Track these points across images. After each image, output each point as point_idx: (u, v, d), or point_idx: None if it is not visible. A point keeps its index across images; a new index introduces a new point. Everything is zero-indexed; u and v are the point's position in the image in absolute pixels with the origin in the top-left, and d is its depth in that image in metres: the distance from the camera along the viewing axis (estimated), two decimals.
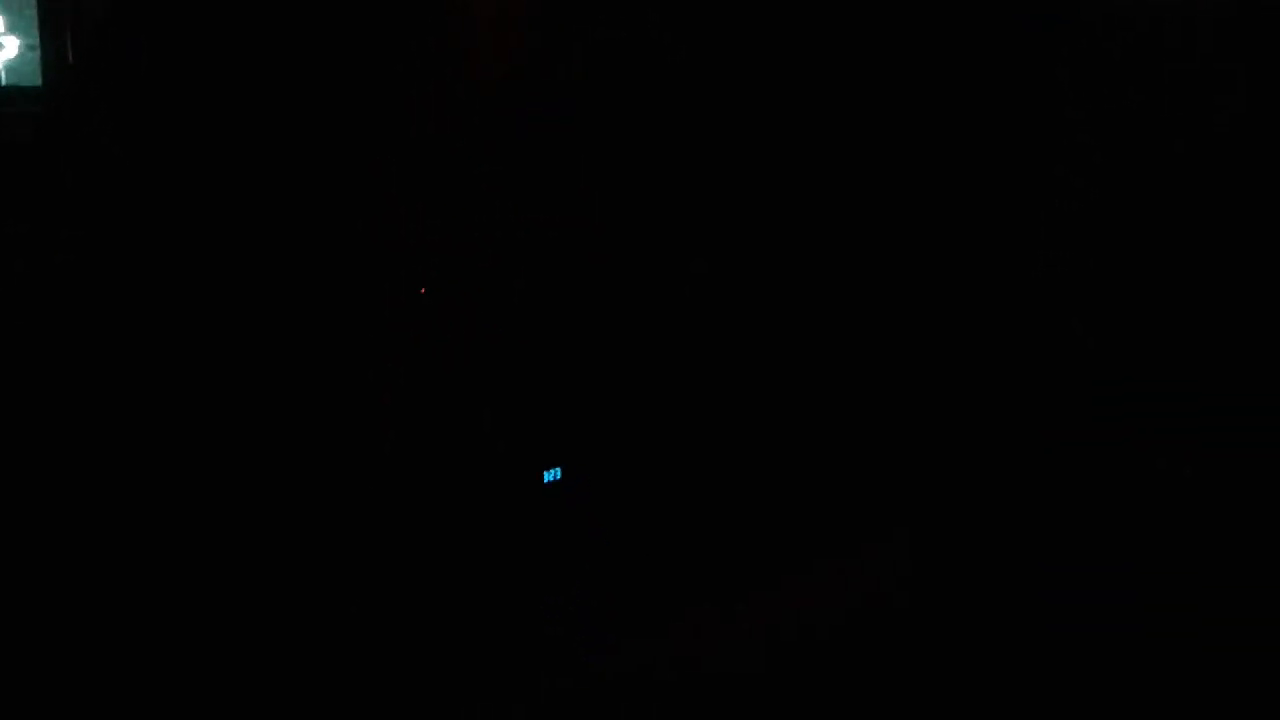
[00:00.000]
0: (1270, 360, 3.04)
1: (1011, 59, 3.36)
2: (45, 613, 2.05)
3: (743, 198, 2.99)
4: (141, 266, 2.12)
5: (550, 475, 2.62)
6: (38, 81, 2.10)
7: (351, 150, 2.33)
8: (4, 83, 2.13)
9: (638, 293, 2.82)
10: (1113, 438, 3.18)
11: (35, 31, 2.10)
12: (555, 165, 2.65)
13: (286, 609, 2.23)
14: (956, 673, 2.52)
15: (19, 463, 2.04)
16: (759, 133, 3.00)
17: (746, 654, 2.53)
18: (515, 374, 2.59)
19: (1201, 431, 3.07)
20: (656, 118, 2.82)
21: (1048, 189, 3.37)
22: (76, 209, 2.05)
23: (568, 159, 2.67)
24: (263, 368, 2.26)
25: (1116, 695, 2.47)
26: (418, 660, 2.31)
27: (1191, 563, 2.92)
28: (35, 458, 2.05)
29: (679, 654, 2.48)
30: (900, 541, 3.09)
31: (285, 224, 2.26)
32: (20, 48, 2.14)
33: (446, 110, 2.45)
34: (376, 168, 2.37)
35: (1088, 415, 3.26)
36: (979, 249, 3.38)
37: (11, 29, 2.14)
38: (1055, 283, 3.35)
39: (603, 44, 2.71)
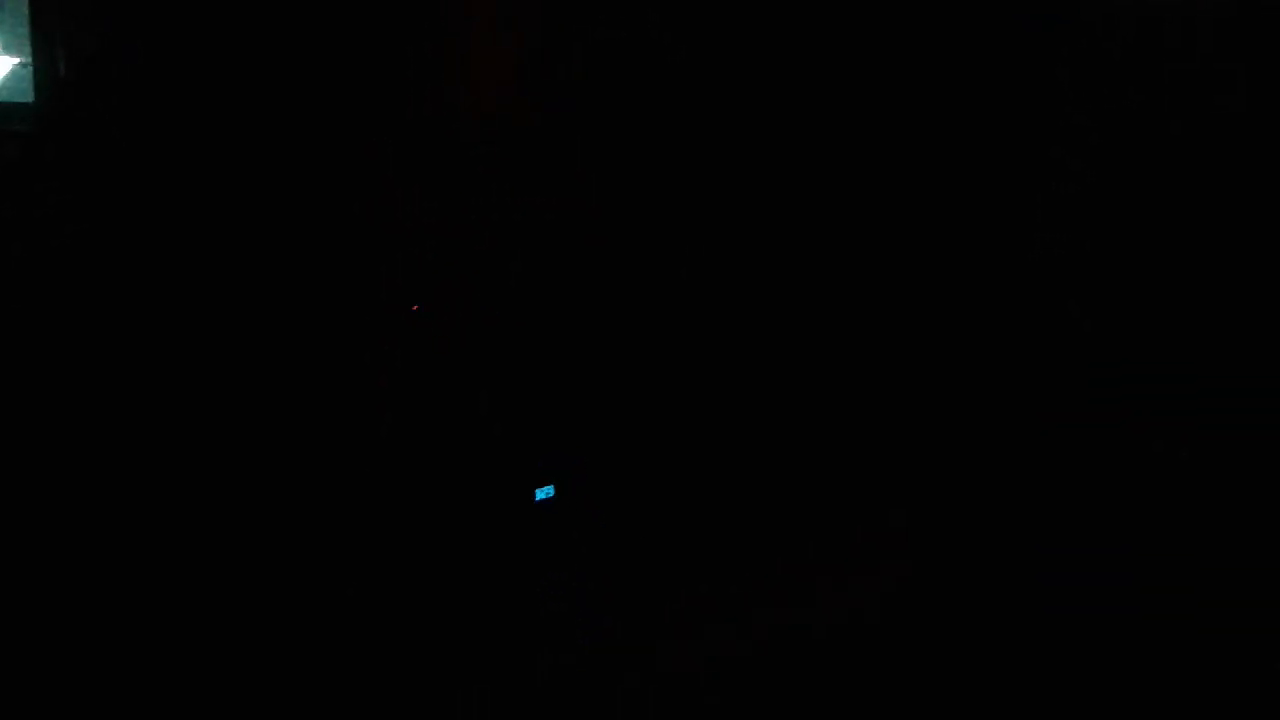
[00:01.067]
0: (1266, 344, 3.02)
1: (1011, 54, 3.34)
2: (44, 608, 2.10)
3: (742, 180, 3.00)
4: (134, 279, 2.17)
5: (542, 494, 2.65)
6: (30, 98, 2.14)
7: (348, 157, 2.37)
8: None
9: (636, 280, 2.83)
10: (1109, 420, 3.17)
11: (28, 49, 2.14)
12: (555, 167, 2.67)
13: (286, 604, 2.28)
14: (954, 655, 2.53)
15: (20, 464, 2.09)
16: (765, 113, 3.00)
17: (744, 637, 2.55)
18: (514, 363, 2.62)
19: (1198, 414, 3.05)
20: (656, 116, 2.83)
21: (1045, 173, 3.36)
22: (69, 223, 2.10)
23: (568, 160, 2.69)
24: (258, 378, 2.30)
25: (1113, 676, 2.48)
26: (418, 641, 2.35)
27: (1188, 545, 2.92)
28: (37, 456, 2.11)
29: (676, 638, 2.50)
30: (897, 523, 3.10)
31: (277, 237, 2.30)
32: (13, 65, 2.19)
33: (446, 113, 2.48)
34: (373, 176, 2.40)
35: (1085, 398, 3.25)
36: (977, 233, 3.38)
37: (5, 48, 2.19)
38: (1052, 265, 3.34)
39: (603, 44, 2.73)
